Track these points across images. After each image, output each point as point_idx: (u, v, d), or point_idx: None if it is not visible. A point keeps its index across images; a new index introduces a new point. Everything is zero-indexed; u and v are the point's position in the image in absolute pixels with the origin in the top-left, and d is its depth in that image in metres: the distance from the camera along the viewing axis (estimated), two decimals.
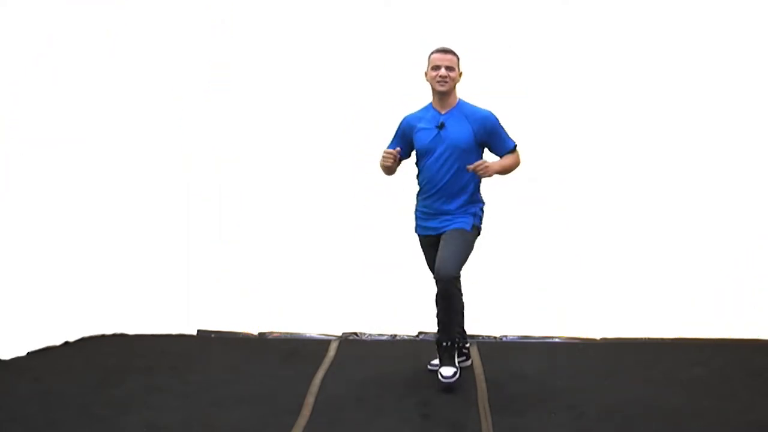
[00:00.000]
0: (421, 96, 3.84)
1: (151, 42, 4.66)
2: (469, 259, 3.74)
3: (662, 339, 4.55)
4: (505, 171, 3.74)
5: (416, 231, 3.92)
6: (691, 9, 4.59)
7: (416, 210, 3.89)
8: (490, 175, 3.66)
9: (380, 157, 3.74)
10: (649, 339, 4.55)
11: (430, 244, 3.83)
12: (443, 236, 3.74)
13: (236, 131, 4.75)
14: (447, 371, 3.71)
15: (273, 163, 4.76)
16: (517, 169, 3.78)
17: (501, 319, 4.63)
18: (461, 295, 3.80)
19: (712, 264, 4.63)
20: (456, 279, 3.71)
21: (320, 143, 4.74)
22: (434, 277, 3.71)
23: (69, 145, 4.51)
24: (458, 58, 3.69)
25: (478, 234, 3.81)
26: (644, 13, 4.62)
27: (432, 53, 3.69)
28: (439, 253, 3.68)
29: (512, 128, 4.63)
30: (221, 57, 4.70)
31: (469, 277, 4.64)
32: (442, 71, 3.63)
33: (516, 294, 4.66)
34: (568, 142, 4.68)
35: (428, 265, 3.90)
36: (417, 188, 3.88)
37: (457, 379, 3.71)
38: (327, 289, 4.68)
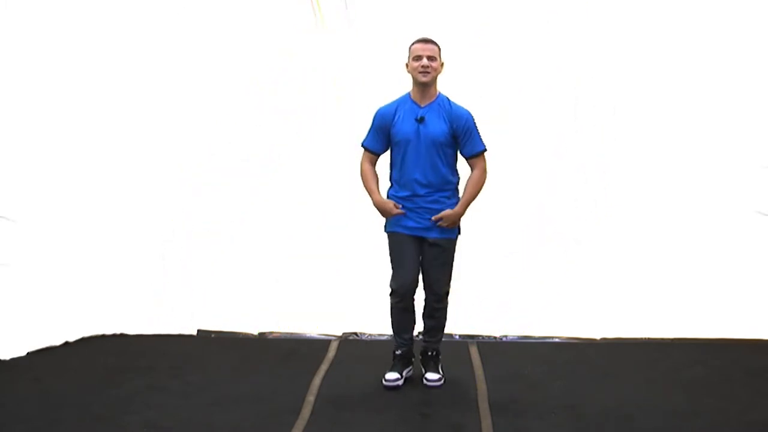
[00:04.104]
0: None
1: (145, 42, 4.67)
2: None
3: (662, 339, 4.55)
4: (469, 203, 3.72)
5: (389, 228, 3.78)
6: (687, 10, 4.59)
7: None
8: (453, 225, 3.68)
9: (385, 210, 3.70)
10: (649, 339, 4.55)
11: (408, 243, 3.72)
12: (432, 249, 3.70)
13: (235, 131, 4.75)
14: (433, 375, 3.83)
15: (273, 162, 4.75)
16: (483, 183, 3.71)
17: (501, 319, 4.63)
18: (447, 309, 3.89)
19: (712, 263, 4.63)
20: (448, 293, 3.83)
21: (320, 141, 4.74)
22: (426, 293, 3.81)
23: (68, 144, 4.51)
24: (440, 49, 3.65)
25: (459, 233, 3.81)
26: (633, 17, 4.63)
27: (413, 44, 3.65)
28: (430, 266, 3.73)
29: (510, 126, 4.67)
30: (214, 58, 4.71)
31: (470, 276, 4.66)
32: (424, 61, 3.58)
33: (516, 294, 4.66)
34: (567, 141, 4.68)
35: (401, 266, 3.75)
36: (389, 184, 3.79)
37: (443, 384, 3.81)
38: (327, 289, 4.68)
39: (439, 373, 3.84)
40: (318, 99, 4.72)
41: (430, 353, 3.88)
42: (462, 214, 3.71)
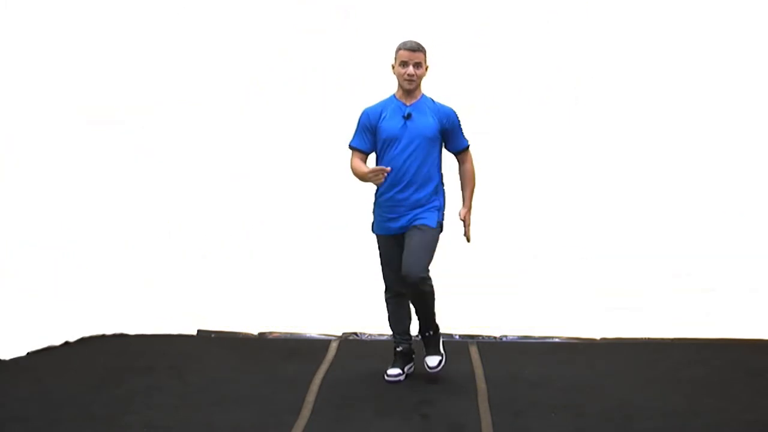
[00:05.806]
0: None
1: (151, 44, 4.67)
2: (434, 256, 3.74)
3: (662, 339, 4.55)
4: (471, 199, 3.86)
5: (375, 230, 3.88)
6: (688, 9, 4.60)
7: (377, 207, 3.84)
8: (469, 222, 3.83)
9: (370, 176, 3.60)
10: (649, 339, 4.55)
11: (392, 244, 3.82)
12: (407, 234, 3.75)
13: (234, 131, 4.75)
14: (433, 361, 3.84)
15: (273, 161, 4.76)
16: (475, 176, 3.83)
17: (501, 319, 4.64)
18: (433, 289, 3.76)
19: (712, 263, 4.63)
20: (425, 278, 3.70)
21: (319, 141, 4.74)
22: (404, 280, 3.72)
23: (68, 144, 4.52)
24: (425, 54, 3.70)
25: (441, 230, 3.81)
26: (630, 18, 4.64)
27: (400, 49, 3.68)
28: (405, 253, 3.69)
29: (510, 126, 4.67)
30: (213, 61, 4.72)
31: (470, 275, 4.67)
32: (410, 69, 3.66)
33: (516, 294, 4.67)
34: (567, 140, 4.68)
35: (388, 265, 3.86)
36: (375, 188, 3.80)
37: (444, 366, 3.83)
38: (327, 289, 4.68)
39: (440, 354, 3.85)
40: (318, 99, 4.72)
41: (428, 333, 3.87)
42: (470, 208, 3.85)
